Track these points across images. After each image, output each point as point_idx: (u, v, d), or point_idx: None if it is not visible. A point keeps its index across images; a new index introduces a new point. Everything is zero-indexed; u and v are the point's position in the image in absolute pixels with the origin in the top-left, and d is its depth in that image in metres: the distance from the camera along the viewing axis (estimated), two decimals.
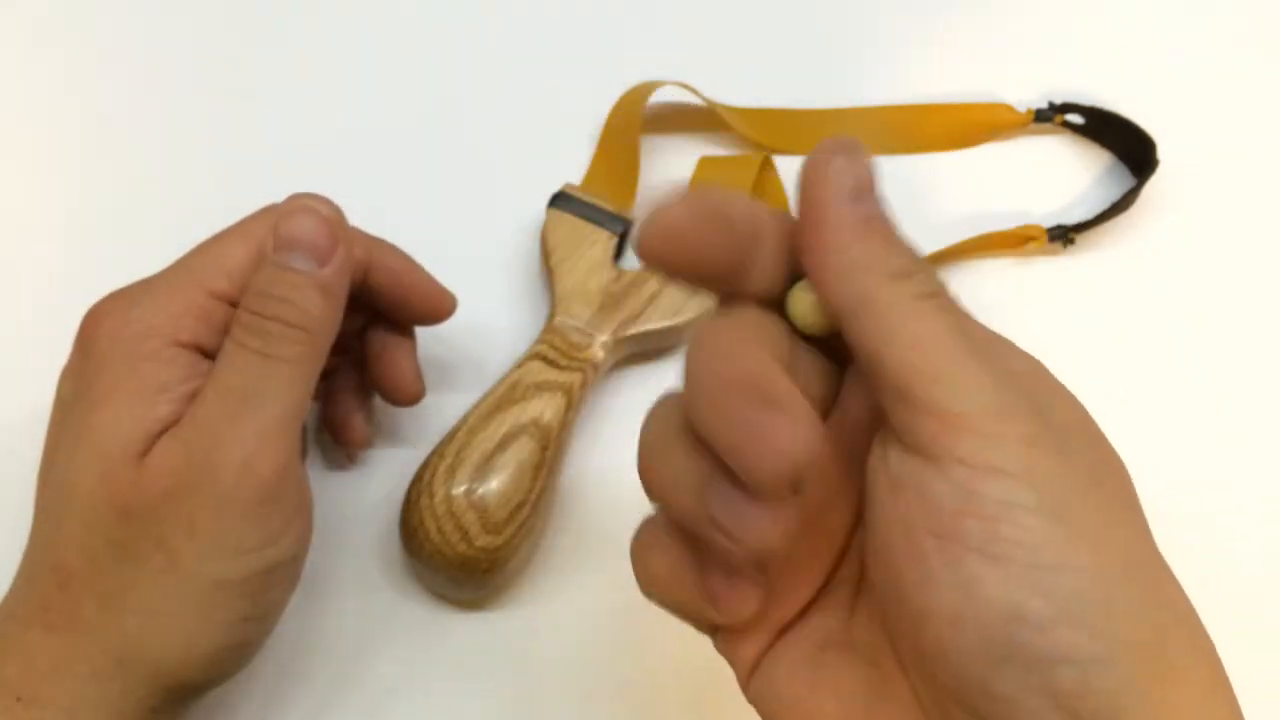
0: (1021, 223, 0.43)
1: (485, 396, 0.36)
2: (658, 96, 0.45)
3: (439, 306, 0.35)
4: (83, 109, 0.45)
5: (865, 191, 0.21)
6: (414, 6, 0.48)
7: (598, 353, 0.38)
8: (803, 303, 0.22)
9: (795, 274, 0.23)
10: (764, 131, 0.45)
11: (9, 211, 0.43)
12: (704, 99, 0.44)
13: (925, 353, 0.20)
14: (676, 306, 0.39)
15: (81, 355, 0.30)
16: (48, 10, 0.47)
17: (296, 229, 0.29)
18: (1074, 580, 0.19)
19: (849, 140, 0.21)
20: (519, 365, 0.37)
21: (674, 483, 0.21)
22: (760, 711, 0.23)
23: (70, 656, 0.27)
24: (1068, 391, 0.22)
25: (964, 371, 0.20)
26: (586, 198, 0.41)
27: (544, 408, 0.36)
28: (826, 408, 0.24)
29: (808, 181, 0.21)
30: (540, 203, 0.41)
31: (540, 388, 0.36)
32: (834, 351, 0.23)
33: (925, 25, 0.49)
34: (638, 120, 0.44)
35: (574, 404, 0.37)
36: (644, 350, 0.40)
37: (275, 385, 0.28)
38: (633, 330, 0.38)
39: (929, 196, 0.45)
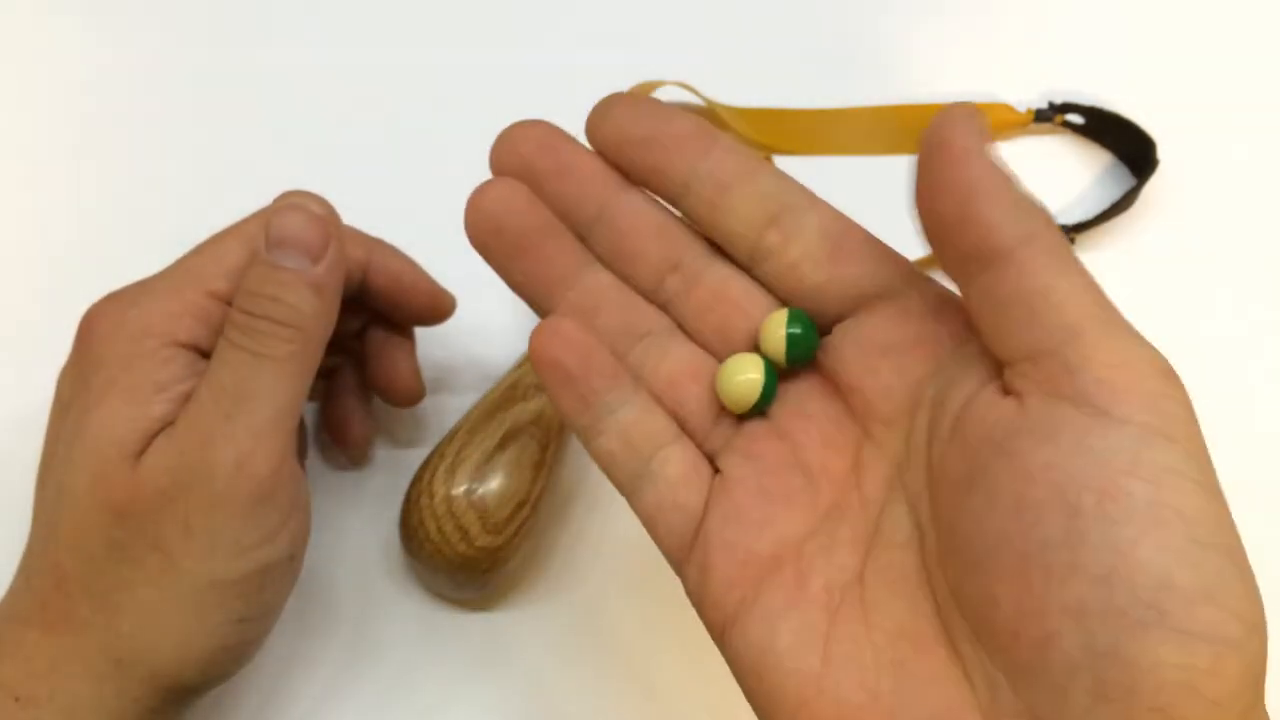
0: None
1: (485, 396, 0.36)
2: (658, 96, 0.45)
3: (438, 307, 0.35)
4: (82, 109, 0.45)
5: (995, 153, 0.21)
6: (414, 6, 0.48)
7: None
8: (736, 382, 0.24)
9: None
10: (764, 131, 0.45)
11: (8, 212, 0.43)
12: (704, 99, 0.44)
13: (1097, 295, 0.20)
14: None
15: (79, 355, 0.30)
16: (47, 12, 0.47)
17: (287, 227, 0.29)
18: (1221, 559, 0.19)
19: (965, 108, 0.21)
20: (519, 365, 0.37)
21: None
22: (747, 675, 0.23)
23: (67, 657, 0.27)
24: None
25: (1126, 324, 0.20)
26: None
27: (544, 407, 0.36)
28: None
29: (949, 126, 0.21)
30: None
31: (540, 387, 0.36)
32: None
33: (925, 25, 0.49)
34: None
35: None
36: None
37: (268, 384, 0.28)
38: None
39: None
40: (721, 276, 0.26)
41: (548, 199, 0.26)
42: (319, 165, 0.41)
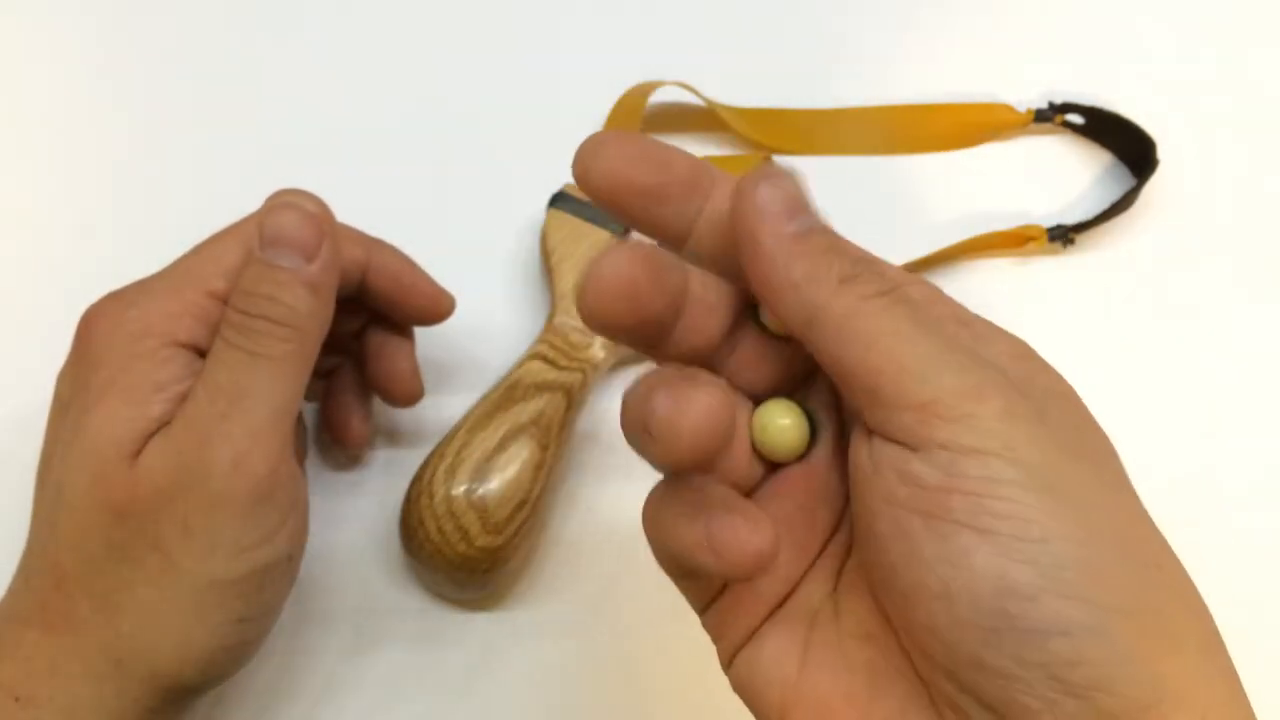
0: (1021, 223, 0.43)
1: (485, 396, 0.36)
2: (658, 96, 0.45)
3: (438, 307, 0.35)
4: (82, 110, 0.45)
5: (797, 209, 0.21)
6: (414, 6, 0.48)
7: (598, 353, 0.37)
8: (772, 429, 0.23)
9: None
10: (764, 131, 0.45)
11: (8, 212, 0.43)
12: (704, 99, 0.44)
13: (884, 350, 0.20)
14: None
15: (78, 355, 0.30)
16: (46, 12, 0.47)
17: (281, 225, 0.29)
18: (1061, 549, 0.19)
19: (768, 166, 0.22)
20: (519, 365, 0.37)
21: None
22: (744, 694, 0.23)
23: (67, 657, 0.27)
24: (1053, 370, 0.22)
25: (926, 359, 0.20)
26: (587, 197, 0.41)
27: (544, 408, 0.36)
28: (797, 385, 0.24)
29: (738, 215, 0.21)
30: (540, 203, 0.41)
31: (540, 388, 0.36)
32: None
33: (926, 25, 0.49)
34: (638, 120, 0.44)
35: (574, 404, 0.36)
36: None
37: (264, 384, 0.28)
38: None
39: (929, 196, 0.45)
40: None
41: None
42: (319, 165, 0.41)
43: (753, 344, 0.23)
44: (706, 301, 0.23)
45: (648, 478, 0.23)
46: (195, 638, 0.28)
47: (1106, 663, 0.18)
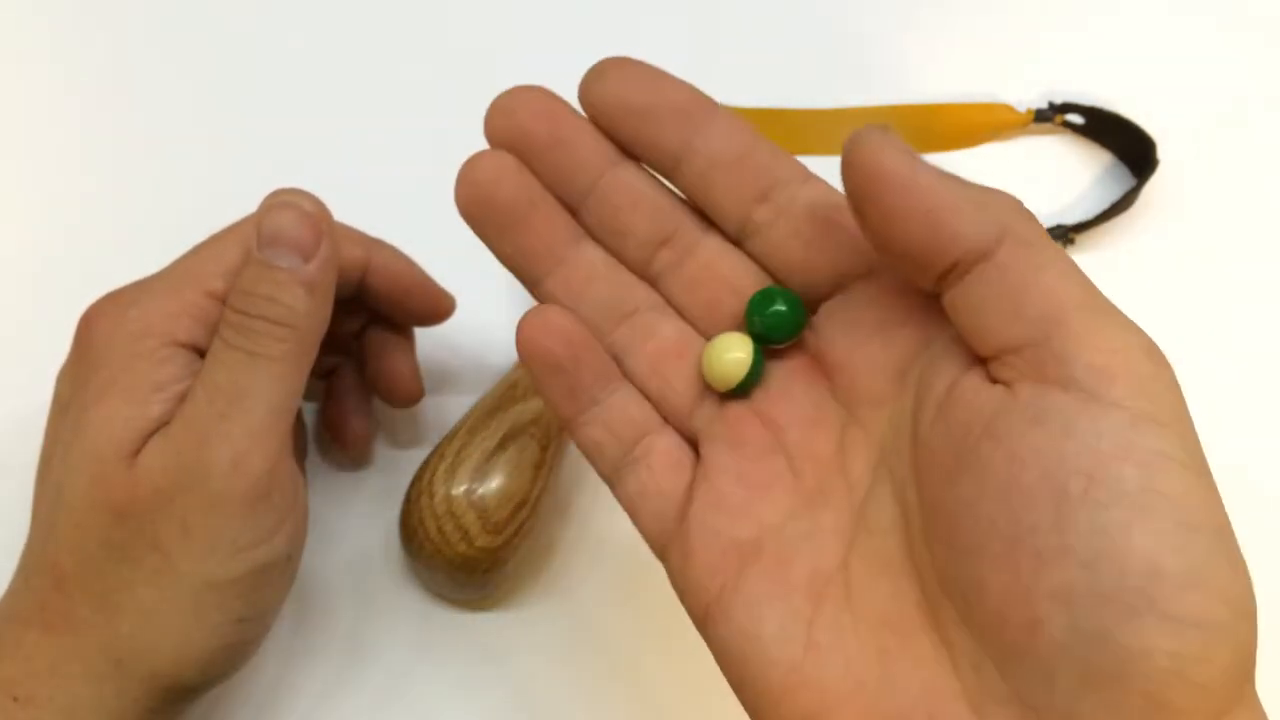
0: None
1: (485, 397, 0.36)
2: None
3: (438, 307, 0.35)
4: (82, 110, 0.45)
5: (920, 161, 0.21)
6: (415, 7, 0.48)
7: None
8: (722, 362, 0.24)
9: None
10: (764, 131, 0.45)
11: (8, 213, 0.43)
12: None
13: (1080, 283, 0.20)
14: None
15: (78, 355, 0.30)
16: (45, 12, 0.47)
17: (278, 225, 0.29)
18: (1210, 542, 0.19)
19: (874, 128, 0.21)
20: (519, 365, 0.37)
21: None
22: (731, 663, 0.23)
23: (66, 657, 0.27)
24: None
25: (1112, 309, 0.20)
26: None
27: (544, 408, 0.36)
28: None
29: (872, 151, 0.21)
30: None
31: None
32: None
33: (925, 25, 0.49)
34: None
35: None
36: None
37: (263, 384, 0.28)
38: None
39: None
40: (712, 252, 0.26)
41: (541, 170, 0.25)
42: (319, 165, 0.41)
43: (706, 264, 0.26)
44: (641, 194, 0.26)
45: None
46: (194, 638, 0.28)
47: (1226, 666, 0.18)
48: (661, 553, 0.25)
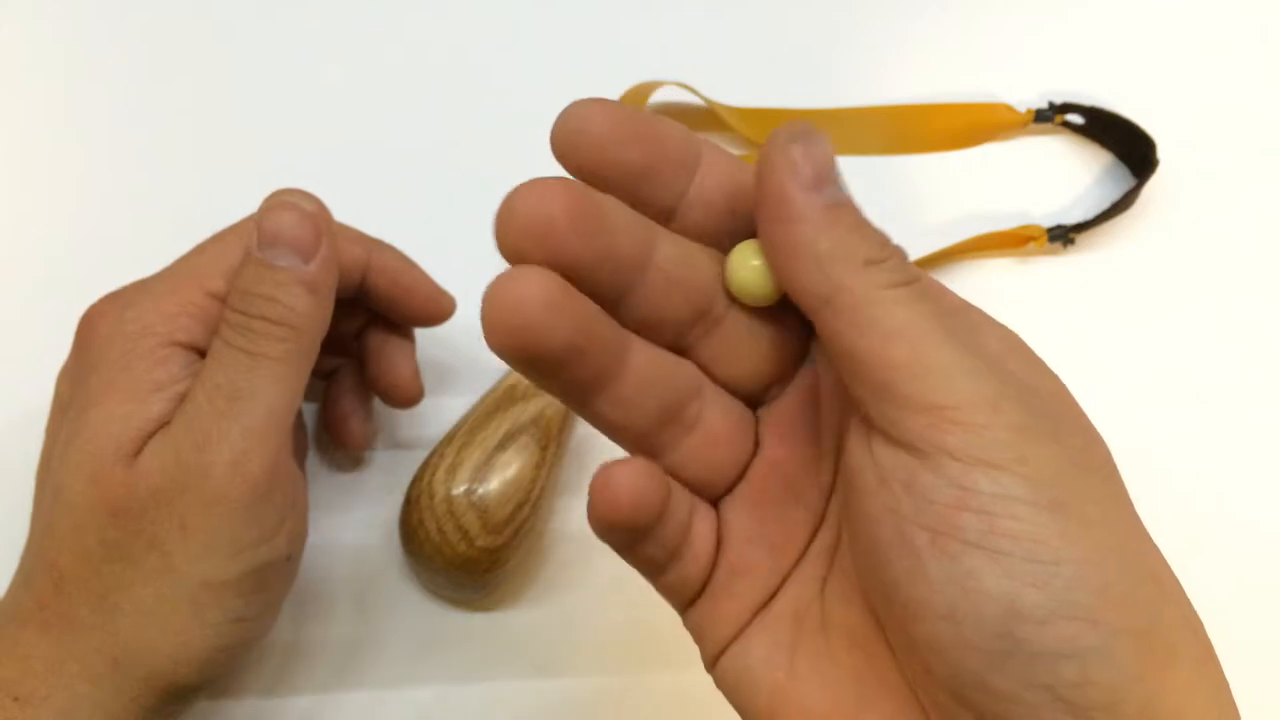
0: (1021, 223, 0.43)
1: (485, 397, 0.36)
2: (658, 96, 0.45)
3: (438, 308, 0.35)
4: (82, 110, 0.45)
5: (829, 177, 0.20)
6: (414, 7, 0.48)
7: None
8: (745, 269, 0.21)
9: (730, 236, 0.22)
10: (764, 131, 0.45)
11: (8, 213, 0.43)
12: (704, 99, 0.44)
13: (905, 345, 0.19)
14: None
15: (78, 355, 0.30)
16: (45, 13, 0.47)
17: (279, 225, 0.29)
18: (1071, 572, 0.18)
19: (803, 125, 0.20)
20: None
21: None
22: (732, 697, 0.23)
23: (65, 657, 0.27)
24: (1044, 364, 0.22)
25: (946, 362, 0.19)
26: None
27: (544, 408, 0.36)
28: (781, 373, 0.23)
29: (766, 172, 0.20)
30: None
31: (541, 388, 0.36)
32: (781, 315, 0.23)
33: (926, 25, 0.49)
34: None
35: None
36: None
37: (263, 384, 0.28)
38: None
39: (929, 196, 0.45)
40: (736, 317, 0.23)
41: (581, 280, 0.21)
42: (319, 165, 0.41)
43: (733, 327, 0.22)
44: (677, 276, 0.21)
45: None
46: (193, 637, 0.28)
47: (1111, 684, 0.18)
48: (682, 612, 0.24)
